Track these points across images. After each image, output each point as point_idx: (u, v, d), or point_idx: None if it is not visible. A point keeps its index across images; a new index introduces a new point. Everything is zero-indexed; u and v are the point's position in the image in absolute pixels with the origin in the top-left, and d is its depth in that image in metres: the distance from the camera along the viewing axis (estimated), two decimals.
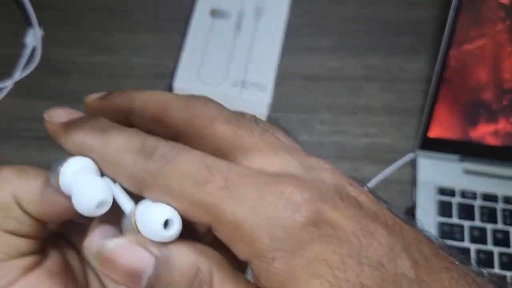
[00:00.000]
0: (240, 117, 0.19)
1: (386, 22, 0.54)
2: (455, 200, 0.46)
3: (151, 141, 0.17)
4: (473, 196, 0.46)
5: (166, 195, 0.17)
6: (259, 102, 0.48)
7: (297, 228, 0.16)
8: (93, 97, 0.22)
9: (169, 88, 0.49)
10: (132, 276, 0.16)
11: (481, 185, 0.47)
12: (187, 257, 0.16)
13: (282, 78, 0.51)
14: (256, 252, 0.16)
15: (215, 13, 0.52)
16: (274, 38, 0.52)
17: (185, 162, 0.17)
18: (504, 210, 0.46)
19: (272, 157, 0.18)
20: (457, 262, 0.17)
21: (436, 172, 0.47)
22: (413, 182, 0.47)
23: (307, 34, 0.54)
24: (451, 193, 0.46)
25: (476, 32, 0.46)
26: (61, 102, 0.50)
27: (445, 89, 0.47)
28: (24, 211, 0.19)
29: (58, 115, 0.20)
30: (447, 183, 0.47)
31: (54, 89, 0.51)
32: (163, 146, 0.17)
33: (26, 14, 0.53)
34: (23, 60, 0.51)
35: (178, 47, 0.51)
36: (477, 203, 0.46)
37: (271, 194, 0.16)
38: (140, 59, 0.52)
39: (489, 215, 0.45)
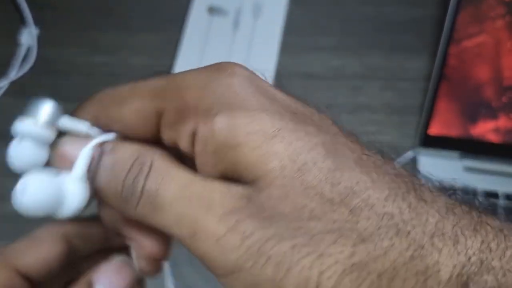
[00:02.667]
0: None
1: (387, 21, 0.54)
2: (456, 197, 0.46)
3: None
4: (474, 193, 0.46)
5: None
6: None
7: (235, 85, 0.18)
8: None
9: None
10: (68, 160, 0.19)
11: (481, 182, 0.46)
12: (129, 146, 0.19)
13: (282, 76, 0.50)
14: (202, 112, 0.17)
15: (212, 11, 0.52)
16: (272, 36, 0.51)
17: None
18: (505, 207, 0.45)
19: None
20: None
21: (437, 170, 0.47)
22: None
23: (307, 32, 0.53)
24: (452, 190, 0.46)
25: (475, 29, 0.46)
26: (57, 102, 0.49)
27: (445, 86, 0.47)
28: None
29: None
30: (448, 180, 0.46)
31: (50, 89, 0.50)
32: None
33: (21, 13, 0.52)
34: (19, 59, 0.51)
35: (175, 46, 0.51)
36: (478, 200, 0.46)
37: (204, 66, 0.19)
38: (138, 58, 0.52)
39: (490, 213, 0.45)
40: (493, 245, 0.15)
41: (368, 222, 0.15)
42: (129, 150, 0.18)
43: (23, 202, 0.17)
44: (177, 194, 0.17)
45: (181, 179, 0.17)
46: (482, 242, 0.15)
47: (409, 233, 0.15)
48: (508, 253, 0.15)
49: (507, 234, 0.16)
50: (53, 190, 0.18)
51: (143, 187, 0.17)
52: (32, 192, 0.17)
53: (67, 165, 0.19)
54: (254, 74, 0.19)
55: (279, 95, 0.19)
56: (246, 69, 0.19)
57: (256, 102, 0.17)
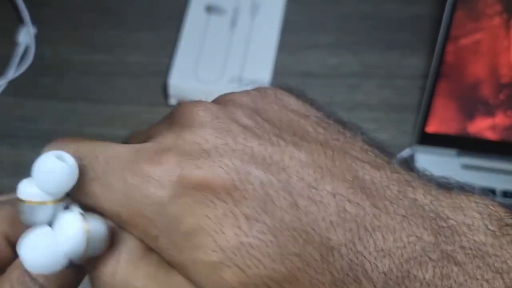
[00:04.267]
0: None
1: (384, 19, 0.54)
2: None
3: None
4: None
5: None
6: None
7: (165, 204, 0.16)
8: None
9: (165, 86, 0.49)
10: None
11: (479, 180, 0.46)
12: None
13: (280, 75, 0.50)
14: (141, 233, 0.16)
15: (210, 10, 0.52)
16: (270, 34, 0.51)
17: None
18: None
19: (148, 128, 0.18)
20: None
21: (434, 167, 0.46)
22: None
23: (304, 30, 0.54)
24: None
25: (472, 27, 0.46)
26: (55, 101, 0.49)
27: (442, 84, 0.47)
28: None
29: None
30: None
31: (48, 88, 0.50)
32: None
33: (19, 12, 0.52)
34: (17, 58, 0.51)
35: (173, 44, 0.51)
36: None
37: (132, 175, 0.16)
38: (135, 57, 0.52)
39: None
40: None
41: None
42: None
43: (27, 267, 0.16)
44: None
45: (145, 276, 0.16)
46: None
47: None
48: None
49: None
50: (48, 246, 0.16)
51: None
52: (31, 258, 0.16)
53: None
54: (179, 168, 0.16)
55: (211, 180, 0.16)
56: (169, 163, 0.16)
57: (191, 221, 0.16)
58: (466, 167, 0.47)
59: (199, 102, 0.18)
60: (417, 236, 0.16)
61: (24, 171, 0.19)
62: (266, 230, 0.15)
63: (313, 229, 0.15)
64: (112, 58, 0.52)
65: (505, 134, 0.47)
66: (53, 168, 0.16)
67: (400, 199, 0.16)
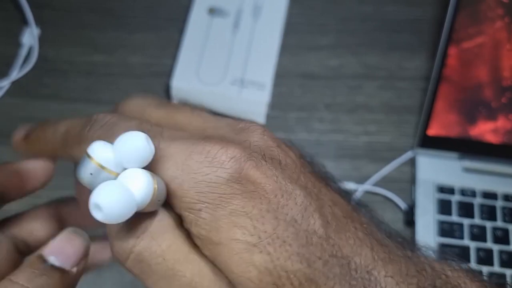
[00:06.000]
0: (167, 102, 0.22)
1: (385, 20, 0.54)
2: (455, 198, 0.46)
3: (93, 115, 0.20)
4: (473, 194, 0.46)
5: None
6: (258, 101, 0.48)
7: (220, 183, 0.18)
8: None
9: (167, 87, 0.49)
10: None
11: (480, 183, 0.47)
12: None
13: (281, 76, 0.51)
14: (185, 205, 0.18)
15: (213, 12, 0.52)
16: (272, 36, 0.51)
17: (124, 127, 0.19)
18: (503, 208, 0.46)
19: (204, 123, 0.20)
20: (365, 225, 0.19)
21: (436, 170, 0.47)
22: (413, 181, 0.47)
23: (306, 32, 0.54)
24: (451, 191, 0.46)
25: (474, 30, 0.46)
26: (58, 101, 0.49)
27: (444, 87, 0.47)
28: None
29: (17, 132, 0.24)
30: (447, 181, 0.46)
31: (52, 89, 0.50)
32: (103, 117, 0.20)
33: (23, 13, 0.53)
34: (20, 59, 0.51)
35: (176, 46, 0.51)
36: (477, 201, 0.46)
37: (197, 153, 0.18)
38: (138, 58, 0.52)
39: (489, 213, 0.45)
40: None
41: None
42: None
43: (103, 218, 0.17)
44: (168, 266, 0.18)
45: (175, 252, 0.18)
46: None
47: None
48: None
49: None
50: (125, 196, 0.17)
51: (134, 244, 0.18)
52: (108, 207, 0.16)
53: None
54: (242, 161, 0.18)
55: (264, 182, 0.18)
56: (235, 153, 0.18)
57: (238, 204, 0.18)
58: (468, 170, 0.47)
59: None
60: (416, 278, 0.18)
61: None
62: (300, 234, 0.18)
63: (340, 248, 0.18)
64: (115, 59, 0.52)
65: (507, 137, 0.47)
66: (142, 149, 0.17)
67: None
